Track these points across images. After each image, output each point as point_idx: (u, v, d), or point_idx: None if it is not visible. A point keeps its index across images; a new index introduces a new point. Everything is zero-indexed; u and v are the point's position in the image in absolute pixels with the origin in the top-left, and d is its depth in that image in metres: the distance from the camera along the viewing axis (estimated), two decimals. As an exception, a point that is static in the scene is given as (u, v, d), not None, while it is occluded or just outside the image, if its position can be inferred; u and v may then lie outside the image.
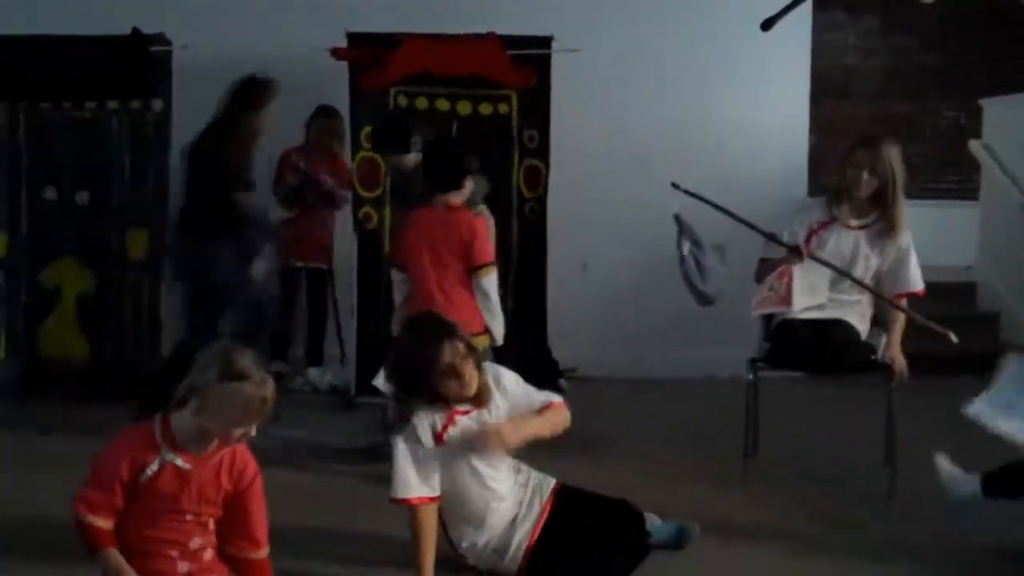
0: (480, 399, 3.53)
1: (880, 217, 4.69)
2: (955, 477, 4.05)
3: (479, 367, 3.52)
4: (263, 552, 3.08)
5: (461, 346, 3.45)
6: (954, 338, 4.41)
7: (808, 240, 4.71)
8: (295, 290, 6.74)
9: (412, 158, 5.20)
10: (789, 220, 4.83)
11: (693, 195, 4.81)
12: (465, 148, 4.99)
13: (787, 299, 4.66)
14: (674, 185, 4.78)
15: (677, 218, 4.81)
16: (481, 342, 4.51)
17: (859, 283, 4.67)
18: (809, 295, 4.68)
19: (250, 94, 5.41)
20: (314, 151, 6.59)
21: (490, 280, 4.64)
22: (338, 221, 6.65)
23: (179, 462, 2.90)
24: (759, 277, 4.80)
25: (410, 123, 5.49)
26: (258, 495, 3.05)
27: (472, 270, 4.62)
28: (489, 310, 4.64)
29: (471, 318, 4.49)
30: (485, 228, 4.76)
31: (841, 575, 3.80)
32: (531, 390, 3.71)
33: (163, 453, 2.89)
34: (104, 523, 2.87)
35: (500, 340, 4.68)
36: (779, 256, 4.72)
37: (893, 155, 4.63)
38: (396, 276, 4.83)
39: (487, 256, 4.66)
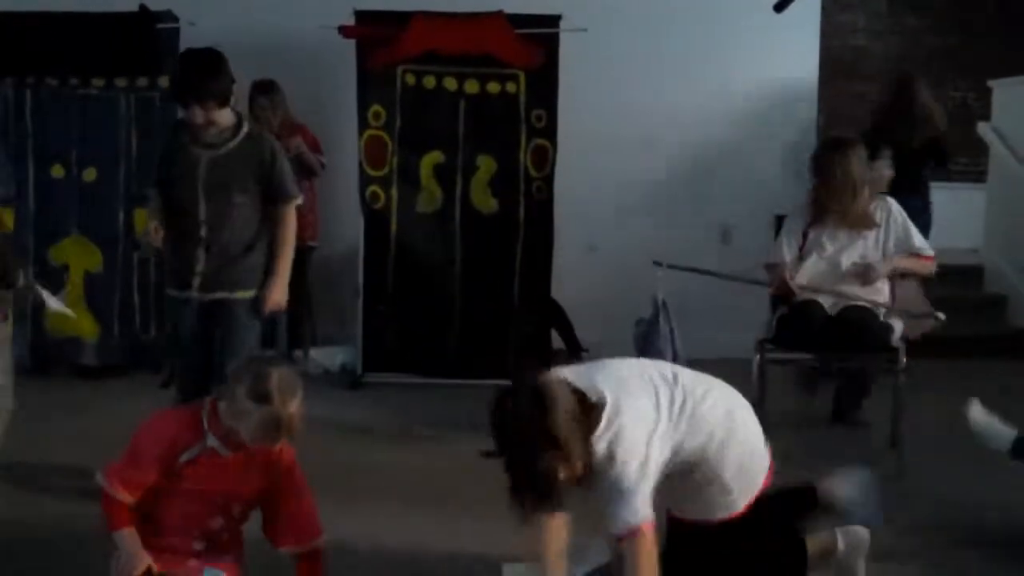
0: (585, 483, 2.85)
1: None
2: (987, 427, 3.94)
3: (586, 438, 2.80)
4: (318, 541, 3.08)
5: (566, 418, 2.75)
6: (940, 316, 4.75)
7: (804, 240, 4.89)
8: None
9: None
10: (783, 234, 5.01)
11: (679, 268, 5.10)
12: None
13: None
14: (656, 263, 5.03)
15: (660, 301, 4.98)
16: None
17: (847, 294, 4.82)
18: (811, 293, 4.86)
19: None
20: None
21: None
22: (344, 200, 6.61)
23: (220, 449, 2.92)
24: (770, 283, 5.00)
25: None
26: (297, 486, 3.06)
27: None
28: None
29: None
30: None
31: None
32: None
33: (206, 438, 2.91)
34: (129, 499, 2.90)
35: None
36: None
37: (834, 160, 4.80)
38: None
39: None
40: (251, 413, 2.83)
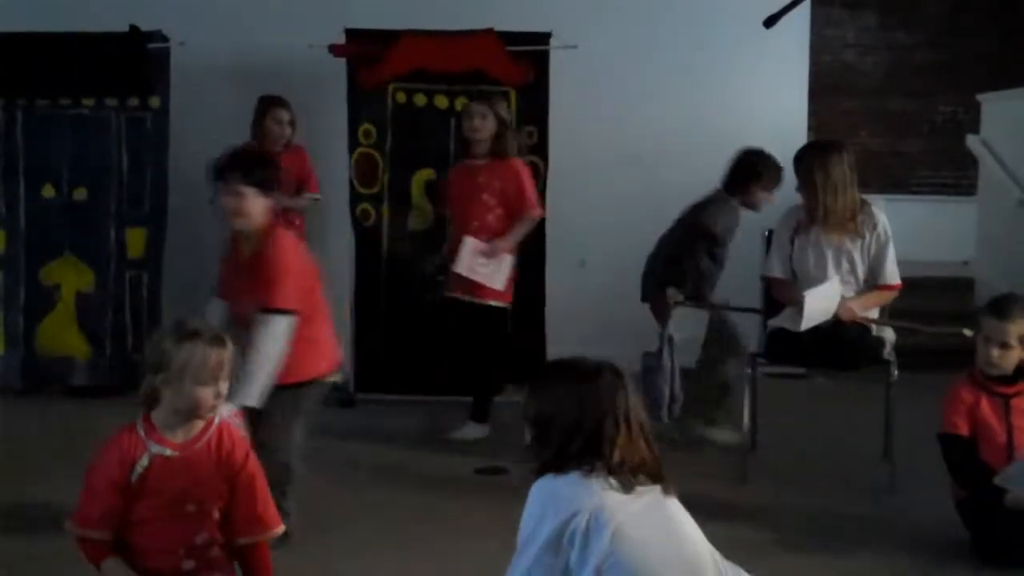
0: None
1: None
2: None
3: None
4: (268, 534, 3.04)
5: None
6: (968, 332, 4.55)
7: (792, 241, 4.85)
8: None
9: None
10: (773, 247, 4.98)
11: (696, 305, 5.29)
12: None
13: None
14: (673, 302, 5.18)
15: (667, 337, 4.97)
16: None
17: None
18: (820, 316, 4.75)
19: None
20: (270, 146, 6.15)
21: None
22: (335, 217, 6.60)
23: (167, 452, 2.92)
24: (778, 295, 4.96)
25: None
26: (254, 477, 3.03)
27: None
28: None
29: None
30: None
31: (841, 567, 3.80)
32: None
33: (149, 447, 2.91)
34: (101, 535, 2.90)
35: None
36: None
37: (815, 162, 4.78)
38: None
39: None
40: (189, 355, 2.83)
